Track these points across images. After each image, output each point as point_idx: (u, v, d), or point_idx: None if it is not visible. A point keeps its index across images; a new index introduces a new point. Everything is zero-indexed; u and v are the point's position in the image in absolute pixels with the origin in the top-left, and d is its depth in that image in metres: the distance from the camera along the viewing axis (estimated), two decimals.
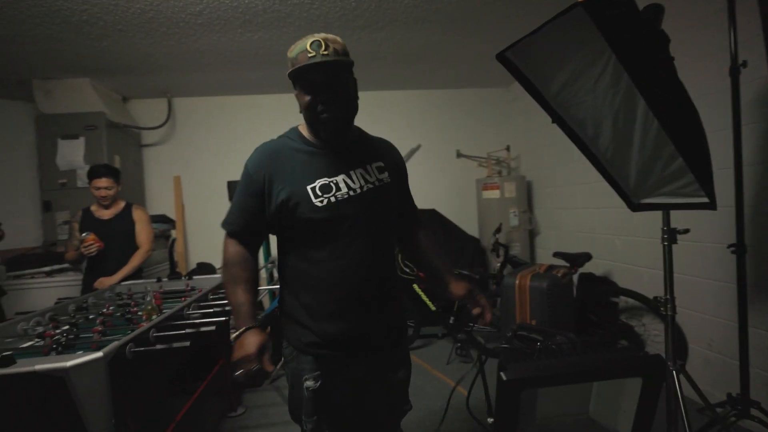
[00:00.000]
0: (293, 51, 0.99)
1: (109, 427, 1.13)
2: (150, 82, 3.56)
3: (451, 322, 3.04)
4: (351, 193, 1.05)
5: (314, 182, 1.03)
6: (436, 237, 3.58)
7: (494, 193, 3.80)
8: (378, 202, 1.09)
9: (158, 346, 1.39)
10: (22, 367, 1.08)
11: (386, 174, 1.13)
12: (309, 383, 1.04)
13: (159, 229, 3.61)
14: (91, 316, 1.75)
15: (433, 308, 3.25)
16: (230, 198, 3.92)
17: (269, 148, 1.10)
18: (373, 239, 1.08)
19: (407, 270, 3.33)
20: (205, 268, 3.80)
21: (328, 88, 0.99)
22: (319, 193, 1.03)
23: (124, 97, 3.90)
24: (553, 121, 1.57)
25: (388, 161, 1.16)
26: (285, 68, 1.01)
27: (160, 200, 3.98)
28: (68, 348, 1.33)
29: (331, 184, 1.04)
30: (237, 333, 0.99)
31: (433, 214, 3.99)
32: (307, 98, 1.00)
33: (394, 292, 1.16)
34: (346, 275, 1.05)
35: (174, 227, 3.88)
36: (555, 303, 2.37)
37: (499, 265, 3.26)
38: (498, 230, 3.23)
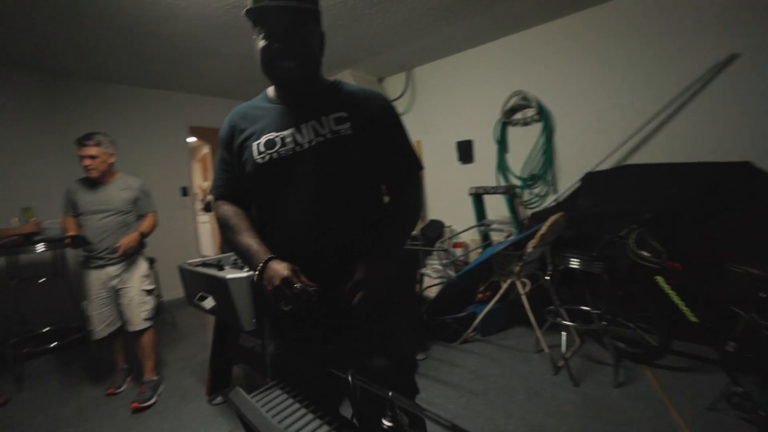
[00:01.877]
0: None
1: (251, 323, 1.71)
2: (391, 60, 4.07)
3: (730, 349, 1.95)
4: (297, 149, 0.98)
5: (260, 138, 1.01)
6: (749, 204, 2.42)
7: None
8: (329, 157, 0.98)
9: None
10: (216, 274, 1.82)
11: (347, 125, 0.99)
12: (271, 347, 1.11)
13: None
14: None
15: (693, 319, 2.10)
16: (459, 158, 4.06)
17: (239, 108, 1.11)
18: (323, 200, 0.97)
19: (645, 254, 2.40)
20: (435, 225, 4.17)
21: (286, 34, 0.95)
22: (263, 149, 1.00)
23: (379, 78, 4.65)
24: None
25: (355, 111, 1.01)
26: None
27: None
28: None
29: (276, 139, 1.00)
30: (258, 268, 0.93)
31: (744, 169, 2.54)
32: (262, 43, 0.96)
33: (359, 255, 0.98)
34: (292, 240, 0.98)
35: None
36: None
37: None
38: None
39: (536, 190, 3.55)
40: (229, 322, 2.07)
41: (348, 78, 4.24)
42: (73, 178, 2.48)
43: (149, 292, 2.54)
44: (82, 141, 2.30)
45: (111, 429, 2.16)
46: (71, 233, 2.33)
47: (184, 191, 4.83)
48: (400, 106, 4.56)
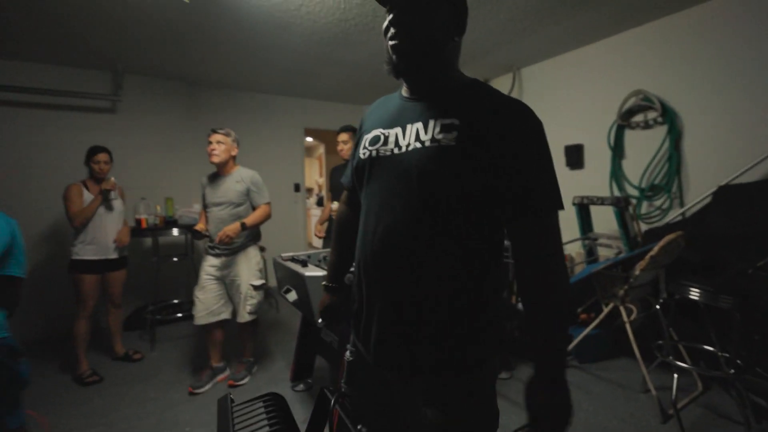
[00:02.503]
0: None
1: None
2: (496, 62, 3.91)
3: None
4: (396, 150, 0.87)
5: (371, 132, 0.94)
6: None
7: None
8: (421, 168, 0.82)
9: None
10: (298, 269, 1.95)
11: (452, 134, 0.80)
12: (347, 353, 1.04)
13: None
14: None
15: None
16: (567, 163, 3.72)
17: (378, 100, 1.06)
18: (409, 212, 0.83)
19: None
20: None
21: (396, 4, 0.85)
22: (368, 145, 0.93)
23: (484, 80, 4.47)
24: None
25: (473, 120, 0.81)
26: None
27: None
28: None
29: (382, 136, 0.91)
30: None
31: None
32: (385, 24, 0.87)
33: (448, 290, 0.83)
34: (368, 247, 0.90)
35: None
36: None
37: None
38: None
39: (657, 203, 3.06)
40: (306, 317, 2.21)
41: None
42: (206, 173, 2.69)
43: (257, 287, 2.58)
44: (214, 129, 2.51)
45: (209, 396, 2.49)
46: (197, 226, 2.55)
47: (297, 187, 5.32)
48: None
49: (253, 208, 2.57)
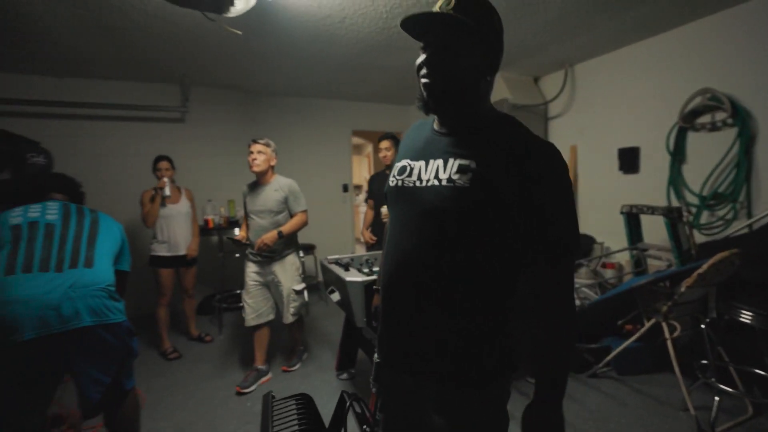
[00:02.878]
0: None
1: (363, 321, 1.95)
2: (547, 59, 3.78)
3: None
4: (418, 183, 0.93)
5: (401, 161, 1.01)
6: None
7: None
8: (436, 204, 0.88)
9: None
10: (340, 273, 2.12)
11: (466, 176, 0.85)
12: (375, 355, 1.12)
13: None
14: None
15: None
16: (620, 167, 3.55)
17: (416, 123, 1.12)
18: (422, 241, 0.91)
19: None
20: (583, 239, 3.77)
21: (429, 45, 0.89)
22: (396, 174, 1.00)
23: (534, 78, 4.37)
24: None
25: (490, 163, 0.85)
26: None
27: None
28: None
29: (408, 167, 0.97)
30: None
31: None
32: (418, 60, 0.92)
33: (459, 312, 0.90)
34: (391, 265, 1.00)
35: None
36: None
37: None
38: None
39: (720, 213, 2.85)
40: (348, 316, 2.41)
41: (498, 80, 4.13)
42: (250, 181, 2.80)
43: (298, 292, 2.72)
44: (255, 139, 2.63)
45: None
46: (237, 235, 2.74)
47: (345, 188, 5.58)
48: (555, 108, 4.21)
49: (291, 216, 2.68)
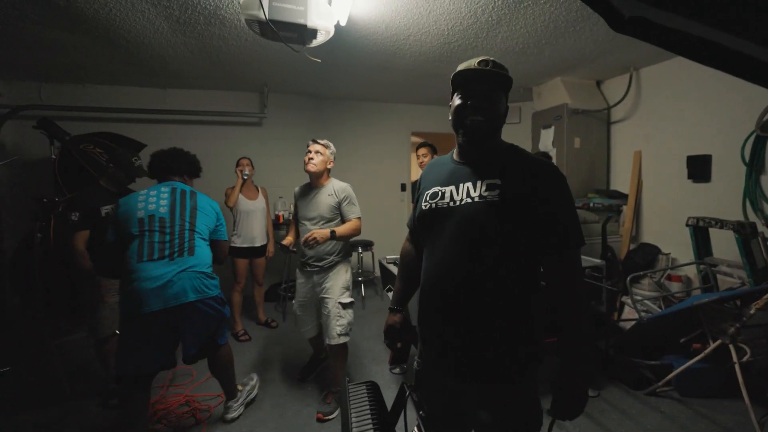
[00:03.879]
0: (461, 66, 1.14)
1: (415, 319, 1.98)
2: (611, 63, 3.68)
3: None
4: (451, 204, 1.11)
5: (431, 188, 1.19)
6: None
7: None
8: (472, 218, 1.07)
9: None
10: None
11: (495, 192, 1.05)
12: (415, 363, 1.30)
13: (604, 204, 3.85)
14: None
15: None
16: (689, 176, 3.37)
17: (433, 160, 1.34)
18: (462, 251, 1.08)
19: None
20: (647, 249, 3.62)
21: (480, 94, 1.11)
22: (428, 199, 1.18)
23: (597, 81, 4.23)
24: None
25: (511, 181, 1.06)
26: None
27: (623, 177, 4.09)
28: None
29: (440, 192, 1.16)
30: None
31: None
32: (460, 101, 1.13)
33: (493, 313, 1.06)
34: (432, 278, 1.15)
35: (625, 203, 3.91)
36: None
37: None
38: None
39: None
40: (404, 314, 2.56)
41: (558, 85, 4.08)
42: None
43: (346, 305, 2.39)
44: (315, 139, 2.47)
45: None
46: (284, 240, 2.51)
47: (403, 187, 5.76)
48: (618, 112, 4.07)
49: (343, 221, 2.42)
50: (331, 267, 2.43)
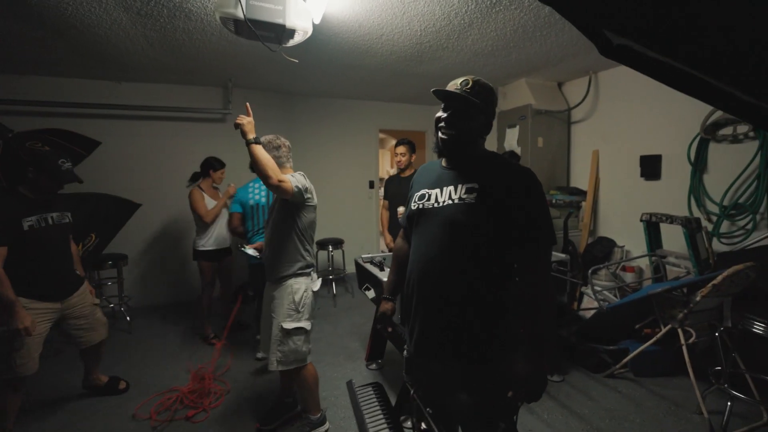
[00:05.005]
0: (451, 83, 1.28)
1: (397, 318, 1.96)
2: (572, 66, 3.86)
3: None
4: (436, 205, 1.25)
5: (419, 191, 1.33)
6: None
7: None
8: (452, 218, 1.19)
9: None
10: (376, 273, 2.24)
11: (473, 195, 1.18)
12: (404, 351, 1.40)
13: (565, 201, 4.08)
14: None
15: None
16: (642, 174, 3.64)
17: (425, 165, 1.46)
18: (443, 248, 1.21)
19: None
20: (604, 243, 3.88)
21: (452, 112, 1.24)
22: (417, 200, 1.32)
23: (558, 83, 4.45)
24: None
25: (489, 184, 1.18)
26: None
27: (582, 175, 4.33)
28: None
29: (426, 194, 1.30)
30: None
31: None
32: (438, 114, 1.29)
33: (470, 301, 1.18)
34: (417, 270, 1.28)
35: (584, 199, 4.16)
36: None
37: None
38: None
39: (740, 223, 2.94)
40: None
41: (522, 86, 4.25)
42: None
43: (288, 332, 2.00)
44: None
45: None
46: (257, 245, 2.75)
47: (371, 184, 5.78)
48: (578, 113, 4.30)
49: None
50: (281, 280, 2.03)
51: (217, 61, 3.52)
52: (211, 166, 3.46)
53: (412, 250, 1.34)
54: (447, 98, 1.25)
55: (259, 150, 1.82)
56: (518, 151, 4.31)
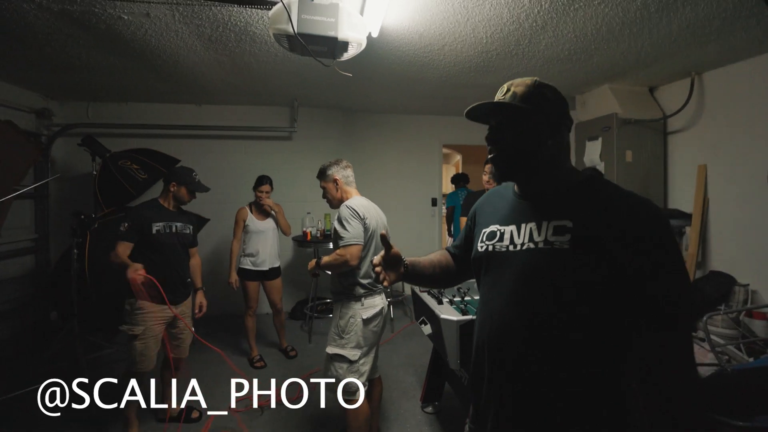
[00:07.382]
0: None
1: (456, 363, 1.85)
2: (668, 68, 3.32)
3: None
4: (511, 248, 0.93)
5: (488, 227, 1.02)
6: None
7: None
8: (534, 268, 0.87)
9: None
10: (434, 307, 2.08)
11: (565, 237, 0.83)
12: (466, 427, 1.10)
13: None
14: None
15: None
16: None
17: (491, 191, 1.16)
18: (524, 310, 0.88)
19: None
20: (719, 279, 3.17)
21: (491, 127, 0.99)
22: (485, 239, 1.01)
23: (650, 88, 3.87)
24: None
25: (587, 222, 0.83)
26: None
27: (684, 194, 3.67)
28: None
29: (498, 232, 0.98)
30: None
31: None
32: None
33: (563, 389, 0.84)
34: (486, 334, 0.96)
35: (689, 224, 3.50)
36: None
37: None
38: None
39: None
40: (438, 350, 2.33)
41: (605, 93, 3.76)
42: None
43: (332, 357, 2.04)
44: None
45: None
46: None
47: (434, 201, 5.55)
48: (677, 121, 3.69)
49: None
50: (335, 300, 2.17)
51: (283, 81, 3.62)
52: (256, 184, 3.45)
53: (481, 300, 1.03)
54: (480, 115, 1.00)
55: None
56: (601, 167, 3.80)
